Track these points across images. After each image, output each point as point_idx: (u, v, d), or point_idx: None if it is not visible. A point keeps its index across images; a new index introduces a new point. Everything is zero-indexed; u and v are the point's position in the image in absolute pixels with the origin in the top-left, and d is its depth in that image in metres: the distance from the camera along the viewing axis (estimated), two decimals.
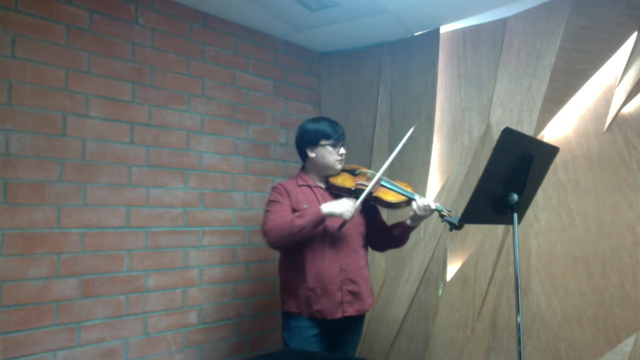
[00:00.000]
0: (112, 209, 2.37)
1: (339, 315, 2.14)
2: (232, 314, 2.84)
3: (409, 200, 2.17)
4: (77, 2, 2.30)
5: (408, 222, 2.19)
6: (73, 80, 2.27)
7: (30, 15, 2.16)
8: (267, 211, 2.19)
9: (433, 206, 2.10)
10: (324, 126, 2.25)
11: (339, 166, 2.27)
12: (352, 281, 2.18)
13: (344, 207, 2.06)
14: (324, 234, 2.17)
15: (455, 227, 2.05)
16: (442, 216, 2.11)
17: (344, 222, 2.09)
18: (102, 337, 2.30)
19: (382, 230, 2.34)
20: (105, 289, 2.33)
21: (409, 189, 2.23)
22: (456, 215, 2.26)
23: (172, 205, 2.60)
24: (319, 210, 2.05)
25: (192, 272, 2.67)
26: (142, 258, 2.47)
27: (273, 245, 2.13)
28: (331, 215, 2.07)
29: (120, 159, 2.41)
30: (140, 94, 2.50)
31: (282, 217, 2.11)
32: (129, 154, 2.45)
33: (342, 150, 2.27)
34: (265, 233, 2.12)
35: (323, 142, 2.23)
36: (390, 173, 3.11)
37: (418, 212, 2.11)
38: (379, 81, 3.25)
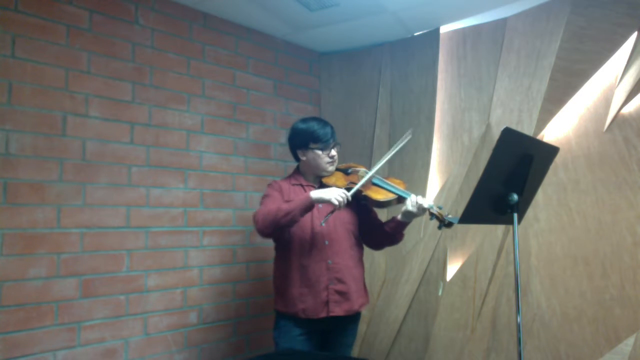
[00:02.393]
0: (112, 209, 2.37)
1: (323, 314, 2.13)
2: (232, 314, 2.84)
3: (400, 198, 2.16)
4: (77, 2, 2.30)
5: (399, 217, 2.18)
6: (73, 80, 2.27)
7: (30, 15, 2.16)
8: (260, 204, 2.21)
9: (426, 205, 2.07)
10: (313, 128, 2.22)
11: (330, 168, 2.26)
12: (340, 280, 2.16)
13: (334, 193, 1.98)
14: (312, 233, 2.17)
15: (444, 225, 2.05)
16: (431, 214, 2.09)
17: (332, 210, 2.01)
18: (102, 337, 2.30)
19: (376, 227, 2.32)
20: (105, 289, 2.33)
21: (401, 187, 2.22)
22: (456, 215, 2.26)
23: (172, 205, 2.60)
24: (308, 196, 2.01)
25: (192, 272, 2.67)
26: (142, 258, 2.47)
27: (261, 232, 2.09)
28: (320, 201, 2.00)
29: (120, 159, 2.41)
30: (140, 94, 2.50)
31: (272, 205, 2.09)
32: (129, 154, 2.45)
33: (333, 152, 2.25)
34: (254, 220, 2.10)
35: (312, 145, 2.21)
36: (389, 173, 3.11)
37: (410, 208, 2.09)
38: (379, 81, 3.25)
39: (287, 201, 2.15)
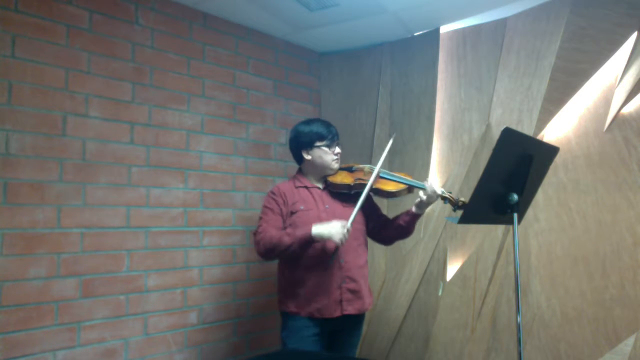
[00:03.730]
0: (112, 209, 2.37)
1: (338, 313, 2.15)
2: (232, 314, 2.84)
3: (410, 188, 2.22)
4: (77, 2, 2.30)
5: (414, 209, 2.22)
6: (73, 80, 2.27)
7: (30, 15, 2.16)
8: (260, 218, 2.21)
9: (439, 191, 2.14)
10: (317, 127, 2.25)
11: (335, 165, 2.28)
12: (352, 279, 2.18)
13: (334, 230, 2.01)
14: None
15: (457, 207, 2.14)
16: (444, 198, 2.16)
17: (337, 248, 2.07)
18: (102, 337, 2.30)
19: (385, 223, 2.35)
20: (105, 289, 2.33)
21: (408, 178, 2.26)
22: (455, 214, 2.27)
23: (172, 205, 2.60)
24: (308, 231, 2.04)
25: (192, 272, 2.67)
26: (142, 258, 2.47)
27: (261, 256, 2.16)
28: (320, 238, 2.04)
29: (120, 159, 2.41)
30: (140, 94, 2.50)
31: (275, 229, 2.13)
32: (129, 154, 2.45)
33: (338, 150, 2.28)
34: (256, 243, 2.15)
35: (318, 143, 2.23)
36: (391, 170, 3.11)
37: (424, 196, 2.15)
38: (379, 81, 3.25)
39: (292, 212, 2.17)
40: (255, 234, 2.19)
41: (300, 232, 2.06)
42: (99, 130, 2.34)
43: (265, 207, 2.23)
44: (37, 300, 2.12)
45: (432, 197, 2.15)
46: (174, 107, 2.64)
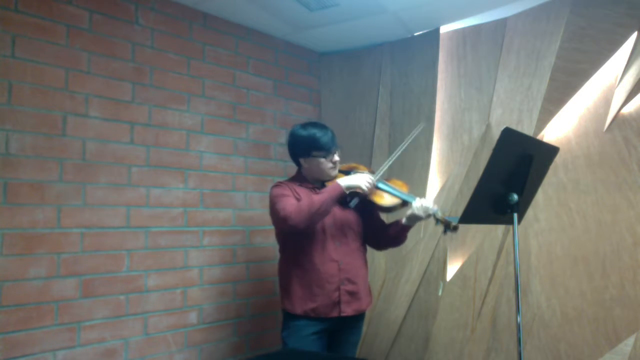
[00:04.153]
0: (112, 209, 2.37)
1: (334, 314, 2.15)
2: (232, 314, 2.84)
3: (404, 203, 2.18)
4: (77, 2, 2.30)
5: (403, 221, 2.20)
6: (73, 80, 2.27)
7: (30, 15, 2.16)
8: (277, 203, 2.12)
9: (431, 210, 2.10)
10: (315, 135, 2.19)
11: (333, 173, 2.25)
12: (351, 281, 2.19)
13: (362, 179, 2.11)
14: (323, 234, 2.18)
15: (449, 229, 2.06)
16: (436, 220, 2.10)
17: (359, 195, 2.13)
18: (102, 337, 2.30)
19: (380, 229, 2.34)
20: (105, 289, 2.33)
21: (404, 189, 2.23)
22: (456, 215, 2.26)
23: (172, 205, 2.60)
24: (337, 185, 2.08)
25: (192, 272, 2.67)
26: (142, 258, 2.47)
27: (295, 226, 2.03)
28: (350, 189, 2.09)
29: (120, 159, 2.41)
30: (140, 94, 2.50)
31: (294, 200, 2.12)
32: (129, 154, 2.45)
33: (336, 158, 2.24)
34: (286, 218, 2.03)
35: (315, 153, 2.20)
36: (390, 173, 3.10)
37: (416, 212, 2.12)
38: (379, 81, 3.25)
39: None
40: (280, 212, 2.07)
41: (329, 188, 2.10)
42: (99, 130, 2.34)
43: (279, 195, 2.15)
44: (37, 300, 2.12)
45: (422, 214, 2.11)
46: (174, 107, 2.64)
